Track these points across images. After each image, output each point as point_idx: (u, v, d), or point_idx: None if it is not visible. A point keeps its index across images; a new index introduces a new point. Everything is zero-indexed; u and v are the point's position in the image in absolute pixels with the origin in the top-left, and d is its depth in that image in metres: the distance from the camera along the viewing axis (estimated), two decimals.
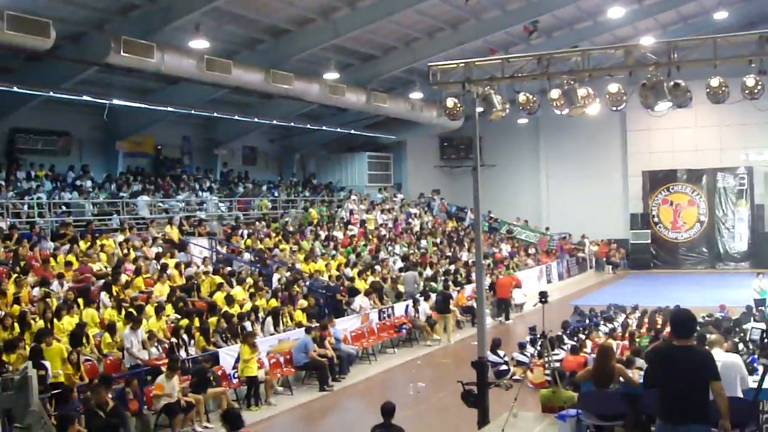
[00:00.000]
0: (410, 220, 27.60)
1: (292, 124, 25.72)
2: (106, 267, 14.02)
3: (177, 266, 15.12)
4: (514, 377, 12.65)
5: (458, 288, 19.76)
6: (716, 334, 9.07)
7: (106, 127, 20.08)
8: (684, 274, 28.82)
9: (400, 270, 20.15)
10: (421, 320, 17.22)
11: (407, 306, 17.61)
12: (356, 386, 13.20)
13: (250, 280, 15.55)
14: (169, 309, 12.95)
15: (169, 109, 20.09)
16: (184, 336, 12.05)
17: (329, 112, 28.04)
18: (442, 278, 20.02)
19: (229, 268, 16.07)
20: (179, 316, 12.73)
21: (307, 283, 16.62)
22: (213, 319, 12.85)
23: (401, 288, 18.72)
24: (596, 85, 11.04)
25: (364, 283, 17.91)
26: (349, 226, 23.59)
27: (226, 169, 25.75)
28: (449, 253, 24.12)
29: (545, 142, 34.59)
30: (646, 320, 15.00)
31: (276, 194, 25.33)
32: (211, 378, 11.23)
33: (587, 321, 15.87)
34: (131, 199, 18.85)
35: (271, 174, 28.72)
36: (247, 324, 13.17)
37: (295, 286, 15.82)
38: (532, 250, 29.35)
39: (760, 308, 15.46)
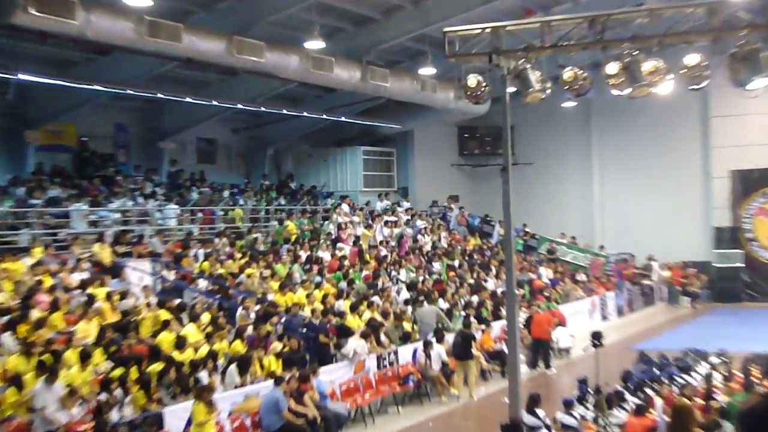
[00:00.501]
0: (419, 236, 27.66)
1: (263, 109, 25.88)
2: (11, 299, 14.04)
3: (109, 297, 15.12)
4: None
5: (483, 326, 19.72)
6: None
7: (11, 111, 20.07)
8: None
9: (406, 303, 20.14)
10: (434, 369, 17.20)
11: (416, 350, 17.60)
12: None
13: (206, 317, 15.52)
14: (97, 355, 12.90)
15: (98, 88, 20.08)
16: (118, 391, 12.00)
17: (312, 94, 28.51)
18: (462, 313, 19.99)
19: (178, 300, 16.09)
20: (111, 365, 12.68)
21: (283, 319, 16.65)
22: (156, 368, 12.79)
23: (407, 326, 18.68)
24: (668, 57, 11.03)
25: (359, 321, 17.91)
26: (339, 245, 23.62)
27: (175, 169, 25.91)
28: (471, 280, 24.14)
29: (599, 134, 34.83)
30: (736, 371, 15.03)
31: (241, 202, 25.52)
32: None
33: (657, 371, 15.76)
34: (49, 209, 18.91)
35: (234, 175, 28.93)
36: (203, 374, 13.11)
37: (267, 324, 15.83)
38: (581, 276, 29.38)
39: None
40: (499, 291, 22.98)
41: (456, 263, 25.77)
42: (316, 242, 23.43)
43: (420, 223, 28.78)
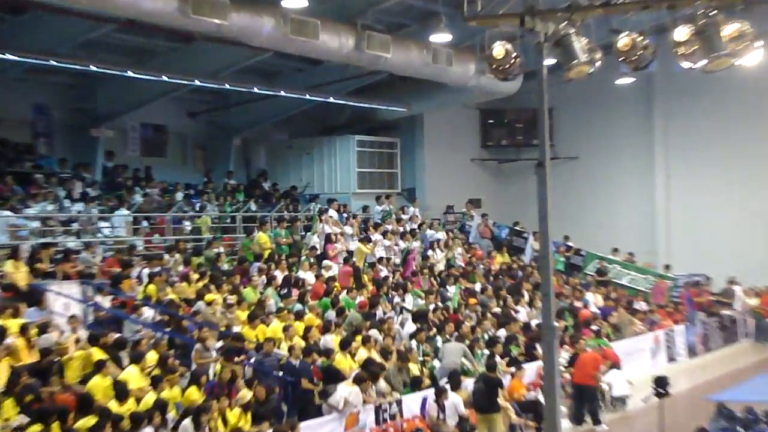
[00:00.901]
0: (430, 251, 27.70)
1: (228, 86, 25.97)
2: None
3: (24, 332, 15.12)
4: None
5: (513, 369, 19.71)
6: None
7: None
8: None
9: (413, 337, 20.15)
10: (448, 425, 17.20)
11: (425, 400, 17.61)
12: None
13: (153, 356, 15.53)
14: (8, 407, 12.90)
15: (10, 57, 20.09)
16: None
17: (291, 68, 28.64)
18: (485, 352, 19.99)
19: (116, 335, 16.09)
20: (26, 420, 12.67)
21: (253, 359, 16.66)
22: (87, 423, 12.78)
23: (415, 369, 18.70)
24: (757, 18, 11.06)
25: (351, 361, 17.91)
26: (326, 263, 23.66)
27: (113, 164, 25.99)
28: (497, 309, 24.15)
29: (663, 119, 34.95)
30: None
31: (199, 206, 25.60)
32: None
33: (741, 430, 15.73)
34: None
35: (190, 172, 28.99)
36: (148, 431, 13.14)
37: (233, 366, 15.87)
38: (640, 305, 29.38)
39: None
40: (533, 323, 22.95)
41: (477, 287, 25.74)
42: (297, 259, 23.40)
43: (431, 235, 28.78)
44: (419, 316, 21.59)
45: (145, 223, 23.41)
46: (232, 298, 19.20)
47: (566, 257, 31.42)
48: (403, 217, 29.59)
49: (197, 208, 25.37)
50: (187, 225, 24.06)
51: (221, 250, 22.87)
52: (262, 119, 30.11)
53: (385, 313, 21.29)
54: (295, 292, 20.80)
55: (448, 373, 18.42)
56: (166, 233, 23.37)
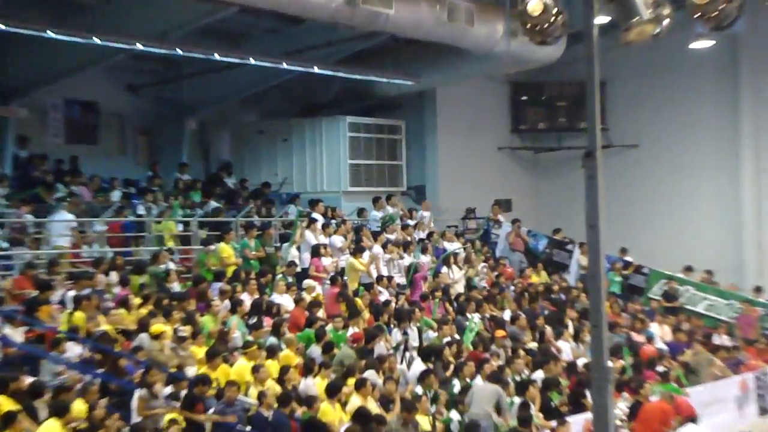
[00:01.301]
0: (445, 268, 27.73)
1: (179, 51, 26.07)
2: None
3: None
4: None
5: (553, 423, 19.67)
6: None
7: None
8: None
9: (421, 380, 20.12)
10: None
11: None
12: None
13: (80, 406, 15.51)
14: None
15: None
16: None
17: (264, 28, 28.95)
18: (516, 401, 20.00)
19: (31, 379, 16.04)
20: None
21: (213, 410, 16.67)
22: None
23: (425, 422, 18.66)
24: None
25: (341, 412, 17.90)
26: (308, 283, 23.72)
27: (27, 152, 26.10)
28: (532, 344, 24.22)
29: (753, 93, 34.89)
30: None
31: (142, 209, 25.64)
32: None
33: None
34: None
35: (130, 164, 29.18)
36: None
37: (193, 417, 15.80)
38: (722, 339, 29.27)
39: None
40: (580, 363, 22.96)
41: (507, 315, 25.78)
42: (270, 279, 23.47)
43: (448, 247, 28.74)
44: (430, 354, 21.57)
45: (98, 228, 23.49)
46: (186, 330, 19.19)
47: (623, 276, 31.40)
48: (410, 223, 29.64)
49: (139, 212, 25.33)
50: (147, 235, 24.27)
51: (171, 265, 22.88)
52: (224, 95, 30.19)
53: (386, 349, 21.29)
54: (267, 322, 20.82)
55: (469, 426, 18.40)
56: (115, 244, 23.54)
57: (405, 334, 22.49)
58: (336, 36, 27.61)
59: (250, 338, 19.89)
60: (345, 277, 24.49)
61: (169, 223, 24.93)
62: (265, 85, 30.03)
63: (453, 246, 29.01)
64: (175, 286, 22.02)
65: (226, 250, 23.95)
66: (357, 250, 25.72)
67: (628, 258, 32.00)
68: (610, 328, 23.44)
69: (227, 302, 21.42)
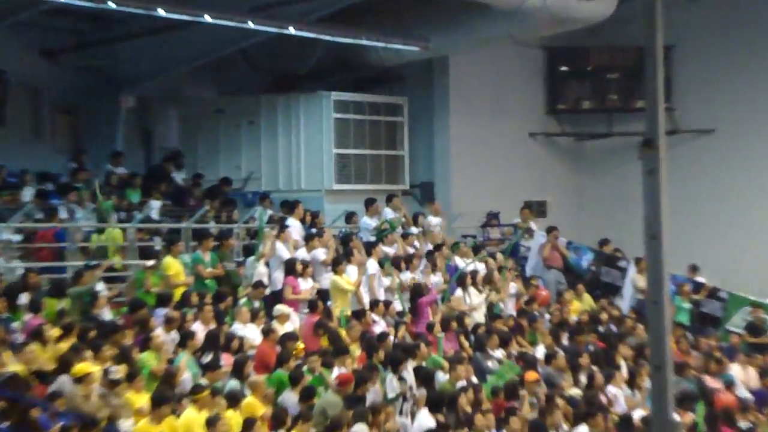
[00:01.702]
0: (459, 290, 27.80)
1: (113, 4, 25.98)
2: None
3: None
4: None
5: None
6: None
7: None
8: None
9: None
10: None
11: None
12: None
13: None
14: None
15: None
16: None
17: None
18: None
19: None
20: None
21: None
22: None
23: None
24: None
25: None
26: (281, 309, 23.75)
27: None
28: (574, 390, 24.29)
29: None
30: None
31: (63, 213, 25.62)
32: None
33: None
34: None
35: (47, 152, 29.36)
36: None
37: None
38: None
39: None
40: (636, 415, 22.98)
41: (540, 352, 25.83)
42: (230, 303, 23.54)
43: (461, 263, 28.78)
44: (440, 402, 21.61)
45: (4, 237, 23.51)
46: (119, 370, 19.18)
47: (694, 302, 31.37)
48: (413, 232, 29.69)
49: (60, 215, 25.30)
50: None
51: (101, 287, 22.89)
52: (171, 64, 30.29)
53: (382, 396, 21.30)
54: (227, 359, 20.88)
55: None
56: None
57: (401, 379, 22.48)
58: None
59: (203, 381, 19.88)
60: (330, 303, 24.52)
61: (115, 231, 24.82)
62: (224, 51, 30.04)
63: (470, 262, 28.94)
64: (105, 314, 21.96)
65: (172, 266, 23.92)
66: (339, 263, 25.69)
67: (699, 278, 31.98)
68: (676, 371, 23.45)
69: (174, 334, 21.43)
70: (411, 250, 28.40)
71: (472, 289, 27.82)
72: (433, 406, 21.54)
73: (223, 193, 29.44)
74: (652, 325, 11.17)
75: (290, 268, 25.13)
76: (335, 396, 20.71)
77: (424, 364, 23.19)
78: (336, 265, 25.56)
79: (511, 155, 35.45)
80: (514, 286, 29.22)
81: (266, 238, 25.86)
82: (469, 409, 21.64)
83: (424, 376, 22.48)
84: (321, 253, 26.39)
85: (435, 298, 26.88)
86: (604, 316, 29.51)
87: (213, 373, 20.27)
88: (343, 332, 23.54)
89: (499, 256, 30.96)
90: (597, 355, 26.18)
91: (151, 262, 24.07)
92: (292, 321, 23.42)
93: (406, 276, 27.23)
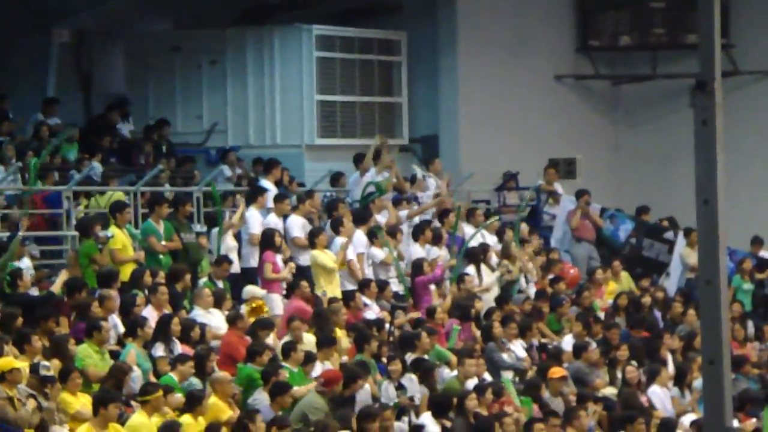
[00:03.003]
0: (470, 268, 27.90)
1: None
2: None
3: None
4: None
5: None
6: None
7: None
8: None
9: None
10: None
11: None
12: None
13: None
14: None
15: None
16: None
17: None
18: None
19: None
20: None
21: None
22: None
23: None
24: None
25: None
26: (251, 290, 23.76)
27: None
28: (608, 389, 24.34)
29: None
30: None
31: None
32: None
33: None
34: None
35: None
36: None
37: None
38: None
39: None
40: (686, 420, 22.94)
41: (567, 343, 25.91)
42: (189, 283, 23.60)
43: (471, 234, 28.78)
44: (446, 404, 21.66)
45: None
46: (51, 366, 19.13)
47: (758, 283, 31.37)
48: (419, 196, 29.60)
49: None
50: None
51: (28, 263, 22.89)
52: None
53: (375, 398, 21.29)
54: (185, 351, 20.83)
55: None
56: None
57: (400, 387, 22.45)
58: None
59: (173, 377, 19.92)
60: (316, 289, 24.54)
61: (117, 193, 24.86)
62: None
63: (481, 234, 28.89)
64: (30, 292, 21.92)
65: (119, 238, 23.91)
66: (315, 235, 25.77)
67: (764, 253, 31.97)
68: (735, 366, 23.47)
69: (119, 321, 21.42)
70: (416, 220, 28.37)
71: (484, 267, 27.81)
72: (438, 409, 21.55)
73: (180, 149, 29.37)
74: (705, 310, 11.10)
75: (268, 241, 25.05)
76: (318, 397, 20.70)
77: (426, 357, 23.20)
78: (311, 239, 25.53)
79: (533, 102, 35.37)
80: (532, 264, 29.23)
81: (236, 205, 25.85)
82: (482, 412, 21.63)
83: (424, 372, 22.48)
84: (298, 222, 26.37)
85: (439, 276, 26.86)
86: (646, 299, 29.51)
87: (183, 366, 20.27)
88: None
89: (523, 226, 30.90)
90: (637, 348, 26.18)
91: (103, 232, 23.89)
92: (269, 306, 23.35)
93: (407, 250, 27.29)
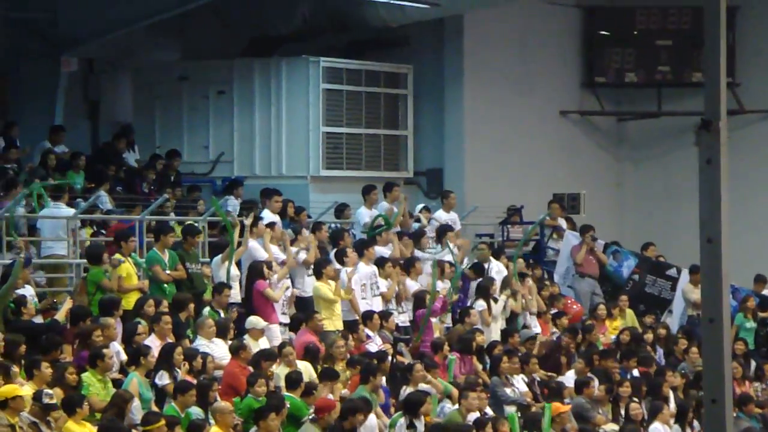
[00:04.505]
0: (480, 300, 27.82)
1: None
2: None
3: None
4: None
5: None
6: None
7: None
8: None
9: None
10: None
11: None
12: None
13: None
14: None
15: None
16: None
17: None
18: None
19: None
20: None
21: None
22: None
23: None
24: None
25: None
26: (254, 321, 23.73)
27: None
28: (608, 427, 24.37)
29: None
30: None
31: None
32: None
33: None
34: None
35: None
36: None
37: None
38: None
39: None
40: None
41: (569, 379, 25.85)
42: (192, 313, 23.55)
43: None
44: None
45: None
46: (54, 394, 19.11)
47: (761, 321, 31.31)
48: (425, 223, 29.75)
49: None
50: None
51: (32, 291, 22.83)
52: (123, 20, 30.16)
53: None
54: (187, 380, 20.80)
55: None
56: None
57: (411, 427, 22.45)
58: None
59: (174, 406, 19.90)
60: (316, 319, 24.49)
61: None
62: (189, 5, 29.93)
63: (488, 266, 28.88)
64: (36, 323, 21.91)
65: (124, 267, 23.89)
66: (322, 265, 25.75)
67: (767, 292, 31.89)
68: (738, 405, 23.43)
69: (121, 350, 21.44)
70: (419, 254, 28.38)
71: (490, 300, 27.80)
72: None
73: (185, 178, 29.36)
74: (707, 348, 11.09)
75: (257, 270, 25.04)
76: (313, 428, 20.65)
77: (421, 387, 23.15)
78: (316, 270, 25.51)
79: (538, 137, 35.38)
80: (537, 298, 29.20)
81: (240, 233, 25.82)
82: None
83: (413, 406, 22.41)
84: (303, 254, 26.35)
85: (442, 305, 26.81)
86: (648, 336, 29.48)
87: (184, 396, 20.25)
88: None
89: (520, 261, 30.82)
90: (639, 384, 26.15)
91: (109, 263, 23.84)
92: (269, 336, 23.34)
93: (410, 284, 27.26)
